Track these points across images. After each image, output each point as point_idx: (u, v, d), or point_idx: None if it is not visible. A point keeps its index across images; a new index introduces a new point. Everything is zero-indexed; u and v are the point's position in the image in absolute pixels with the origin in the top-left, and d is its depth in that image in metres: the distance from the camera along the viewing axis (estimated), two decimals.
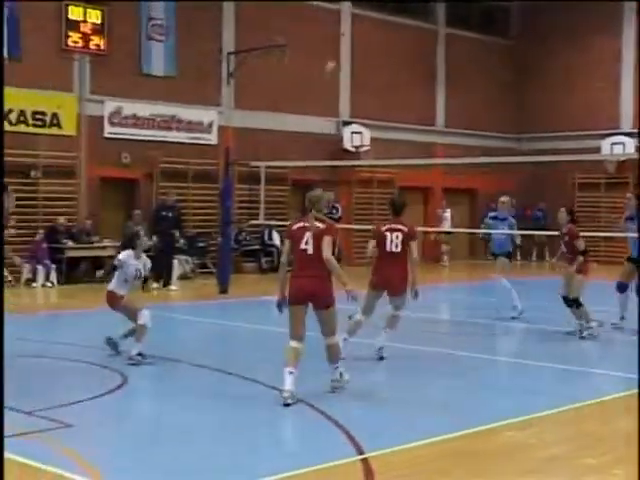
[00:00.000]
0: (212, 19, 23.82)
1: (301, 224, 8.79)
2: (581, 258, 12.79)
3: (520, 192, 29.83)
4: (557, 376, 10.46)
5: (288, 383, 8.42)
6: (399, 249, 10.79)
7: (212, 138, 23.77)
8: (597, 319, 13.13)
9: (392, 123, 27.63)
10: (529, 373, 10.66)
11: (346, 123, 26.66)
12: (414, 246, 10.80)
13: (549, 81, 30.50)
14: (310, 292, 8.61)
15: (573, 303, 12.92)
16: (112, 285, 11.02)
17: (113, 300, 10.96)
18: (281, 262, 8.98)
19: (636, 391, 9.29)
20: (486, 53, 30.65)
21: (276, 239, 24.06)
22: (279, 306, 8.78)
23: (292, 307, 8.68)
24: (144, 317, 10.73)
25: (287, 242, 8.90)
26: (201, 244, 23.09)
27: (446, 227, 26.89)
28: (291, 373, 8.45)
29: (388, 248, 10.81)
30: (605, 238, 27.77)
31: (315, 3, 26.18)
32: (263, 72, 23.57)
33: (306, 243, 8.63)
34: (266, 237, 24.25)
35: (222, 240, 19.48)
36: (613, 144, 28.60)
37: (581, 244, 12.89)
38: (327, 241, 8.61)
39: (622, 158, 28.33)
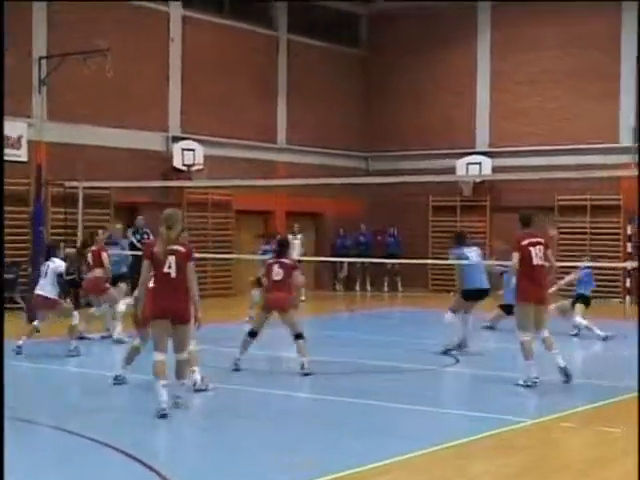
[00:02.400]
0: (21, 19, 23.04)
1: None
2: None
3: (371, 216, 30.23)
4: (409, 417, 10.40)
5: (163, 395, 9.60)
6: (542, 261, 12.13)
7: (22, 154, 22.94)
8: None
9: (228, 139, 27.50)
10: (379, 414, 10.57)
11: (176, 139, 26.33)
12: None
13: (400, 96, 30.96)
14: (172, 311, 9.83)
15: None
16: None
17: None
18: (140, 282, 9.97)
19: (492, 432, 9.41)
20: (333, 64, 30.95)
21: None
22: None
23: (156, 325, 9.91)
24: None
25: (147, 263, 9.88)
26: (10, 276, 22.20)
27: (296, 255, 26.60)
28: (164, 386, 9.61)
29: (534, 262, 12.01)
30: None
31: (141, 4, 25.80)
32: (81, 80, 22.95)
33: (169, 267, 9.75)
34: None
35: (33, 271, 18.83)
36: (469, 164, 29.10)
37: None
38: (191, 268, 9.93)
39: (478, 179, 28.91)
